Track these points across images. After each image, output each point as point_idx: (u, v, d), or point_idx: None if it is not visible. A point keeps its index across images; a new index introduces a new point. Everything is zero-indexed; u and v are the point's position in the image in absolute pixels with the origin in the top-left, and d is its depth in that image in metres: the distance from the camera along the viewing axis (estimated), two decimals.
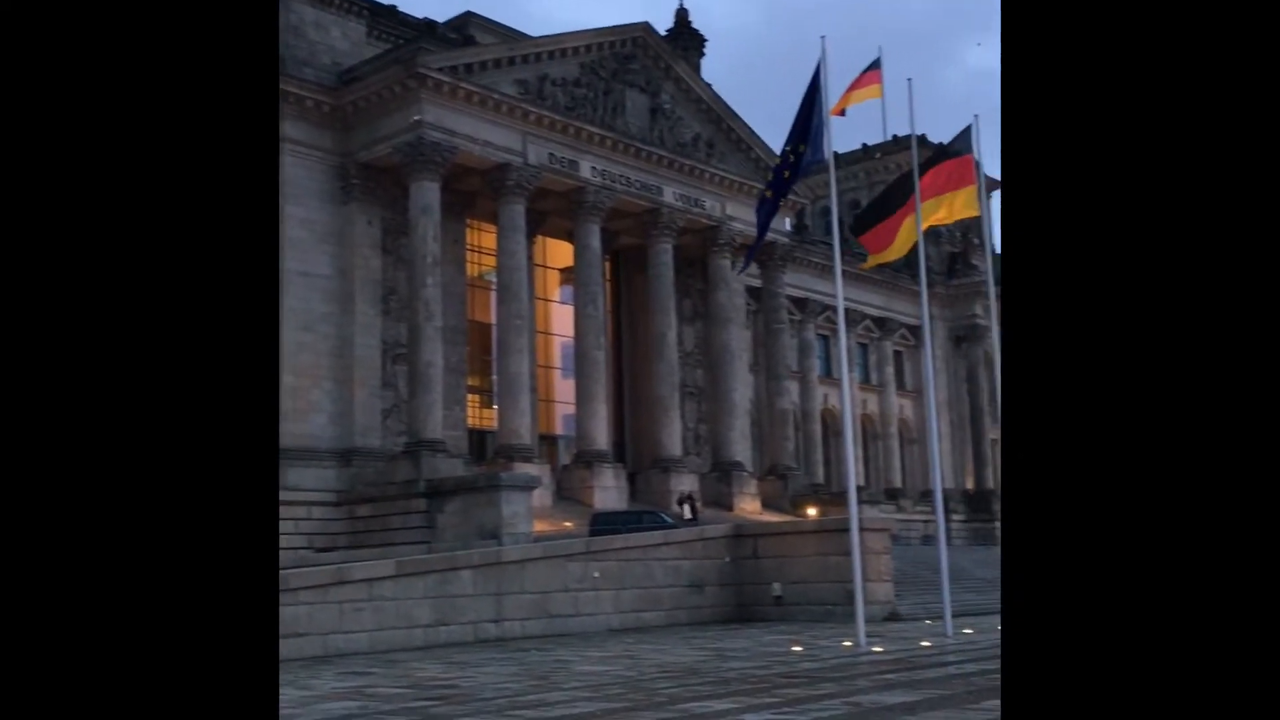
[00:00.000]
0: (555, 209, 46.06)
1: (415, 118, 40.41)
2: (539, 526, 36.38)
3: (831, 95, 23.60)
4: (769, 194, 24.27)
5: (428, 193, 40.73)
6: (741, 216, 50.79)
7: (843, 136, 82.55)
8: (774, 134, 59.09)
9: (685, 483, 46.26)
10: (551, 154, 44.29)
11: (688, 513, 40.56)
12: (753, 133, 51.70)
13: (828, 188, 26.39)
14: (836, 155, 70.11)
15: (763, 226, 25.25)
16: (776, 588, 31.32)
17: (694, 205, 49.14)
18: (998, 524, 62.17)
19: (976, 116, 25.36)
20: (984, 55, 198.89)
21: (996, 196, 75.33)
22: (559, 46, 45.17)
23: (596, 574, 28.16)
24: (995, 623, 27.11)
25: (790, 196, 48.82)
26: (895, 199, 25.41)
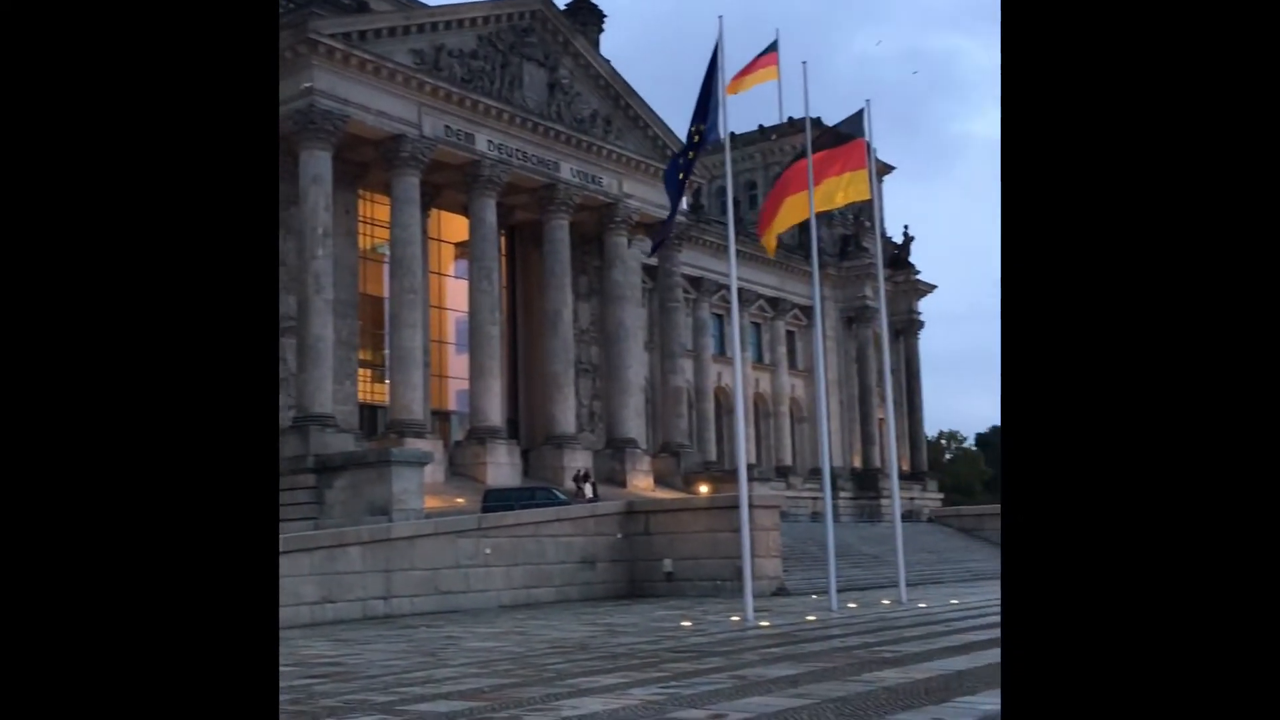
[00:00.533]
0: (450, 182, 45.48)
1: (306, 85, 39.44)
2: (430, 503, 36.06)
3: (729, 75, 23.74)
4: (682, 176, 24.42)
5: (319, 162, 39.84)
6: (639, 194, 50.82)
7: (740, 117, 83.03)
8: (672, 112, 59.17)
9: (579, 459, 46.30)
10: (447, 126, 43.68)
11: (589, 492, 40.54)
12: (651, 111, 51.71)
13: (723, 167, 26.54)
14: (734, 136, 70.52)
15: (672, 208, 25.41)
16: (667, 564, 31.62)
17: (591, 182, 49.01)
18: (884, 501, 63.68)
19: (868, 101, 25.81)
20: (870, 43, 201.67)
21: (888, 181, 76.76)
22: (455, 17, 44.50)
23: (488, 550, 28.07)
24: (879, 597, 27.83)
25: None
26: (789, 182, 25.82)
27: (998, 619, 20.53)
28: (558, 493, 38.70)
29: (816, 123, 43.14)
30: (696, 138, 23.21)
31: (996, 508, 60.40)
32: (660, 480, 49.75)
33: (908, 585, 27.55)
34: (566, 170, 47.93)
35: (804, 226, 26.61)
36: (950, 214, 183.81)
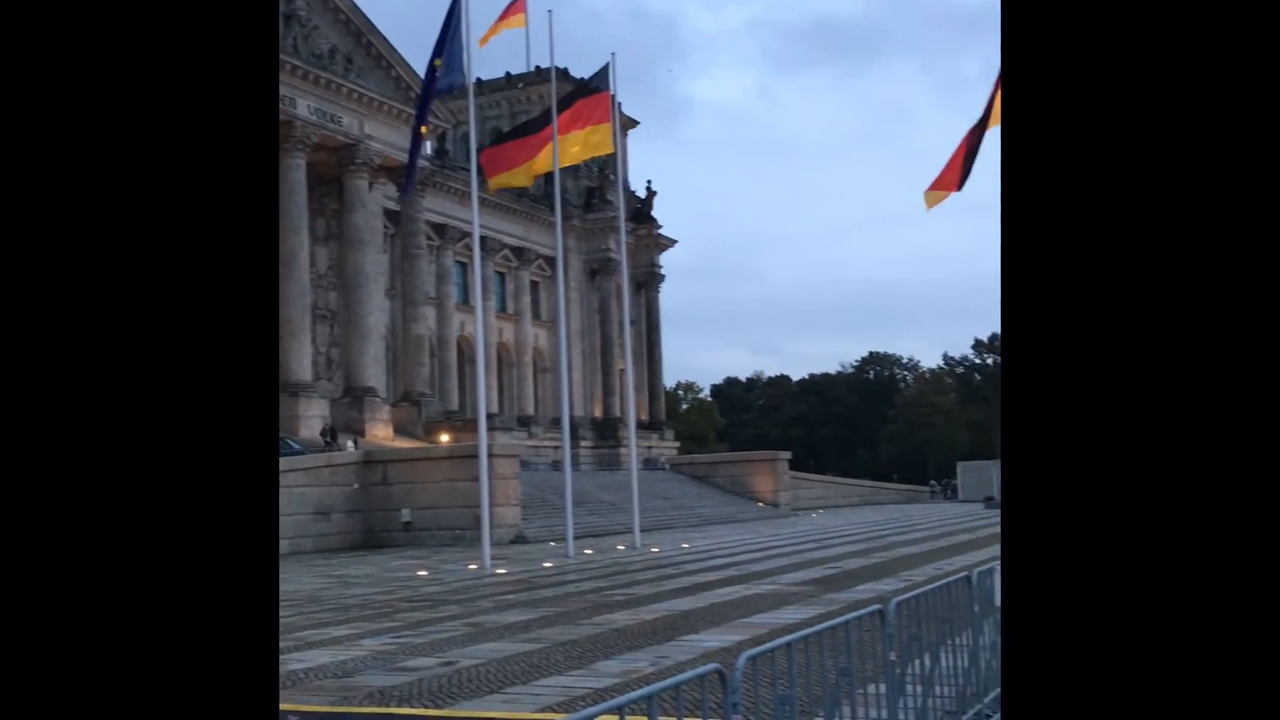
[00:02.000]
0: None
1: None
2: None
3: (474, 19, 23.40)
4: (425, 130, 23.91)
5: None
6: (381, 136, 49.36)
7: (488, 64, 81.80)
8: (417, 54, 57.65)
9: (315, 408, 44.91)
10: None
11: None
12: (394, 50, 50.18)
13: (469, 113, 26.19)
14: (480, 83, 68.94)
15: (413, 150, 24.82)
16: (406, 514, 31.29)
17: (330, 121, 47.17)
18: (623, 449, 65.25)
19: (613, 55, 26.07)
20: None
21: (633, 135, 77.79)
22: None
23: None
24: (614, 543, 28.58)
25: (432, 120, 48.05)
26: (532, 129, 25.77)
27: (724, 561, 21.56)
28: (292, 442, 37.44)
29: (563, 74, 43.12)
30: (436, 68, 22.74)
31: (728, 455, 63.09)
32: (400, 429, 48.96)
33: (643, 531, 28.44)
34: (303, 108, 45.90)
35: (549, 177, 26.67)
36: (684, 172, 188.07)
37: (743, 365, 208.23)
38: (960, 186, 30.72)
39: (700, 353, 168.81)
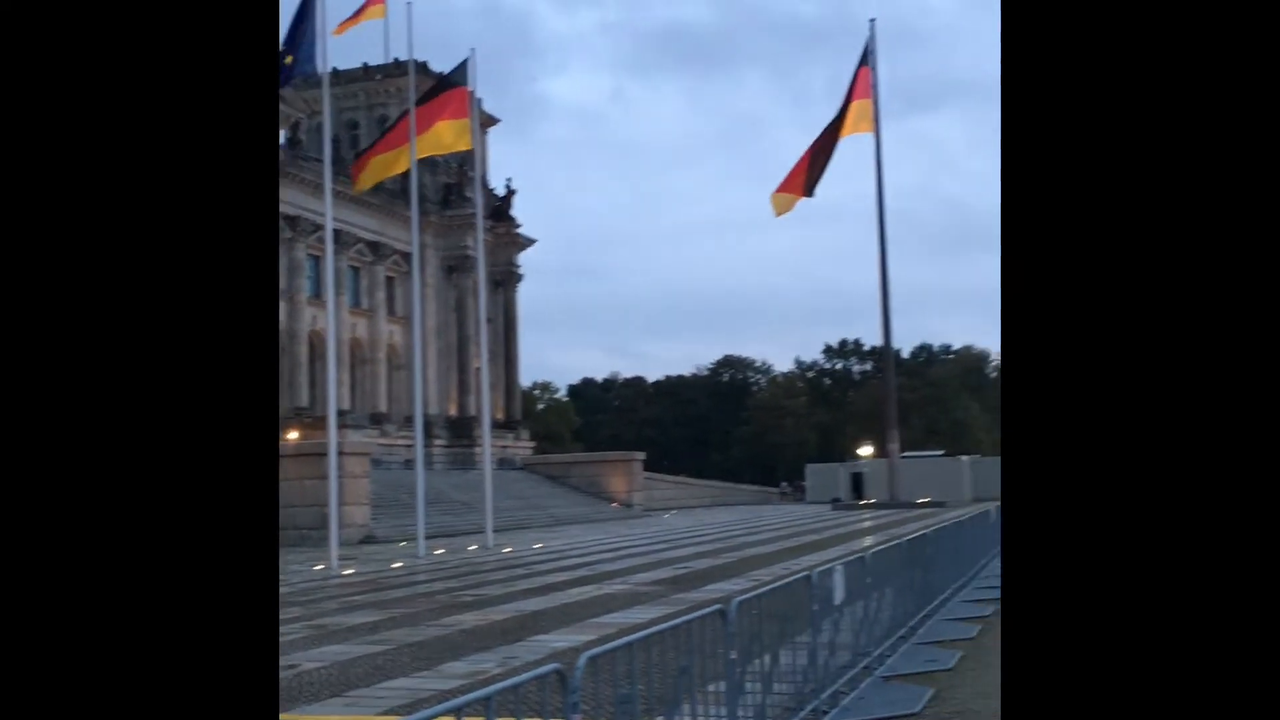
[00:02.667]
0: None
1: None
2: None
3: (330, 7, 22.91)
4: None
5: None
6: None
7: (345, 54, 79.67)
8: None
9: None
10: None
11: None
12: None
13: (324, 103, 25.60)
14: (336, 73, 67.48)
15: None
16: None
17: None
18: (478, 448, 64.73)
19: (473, 50, 25.84)
20: None
21: (491, 133, 77.32)
22: None
23: None
24: (466, 543, 28.31)
25: (284, 109, 46.81)
26: (394, 129, 25.48)
27: (577, 561, 21.58)
28: None
29: (422, 67, 42.50)
30: (288, 59, 22.20)
31: (583, 455, 63.25)
32: None
33: (496, 531, 28.27)
34: None
35: (407, 173, 26.31)
36: (542, 172, 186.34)
37: (599, 366, 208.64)
38: (810, 192, 31.51)
39: (557, 353, 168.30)
